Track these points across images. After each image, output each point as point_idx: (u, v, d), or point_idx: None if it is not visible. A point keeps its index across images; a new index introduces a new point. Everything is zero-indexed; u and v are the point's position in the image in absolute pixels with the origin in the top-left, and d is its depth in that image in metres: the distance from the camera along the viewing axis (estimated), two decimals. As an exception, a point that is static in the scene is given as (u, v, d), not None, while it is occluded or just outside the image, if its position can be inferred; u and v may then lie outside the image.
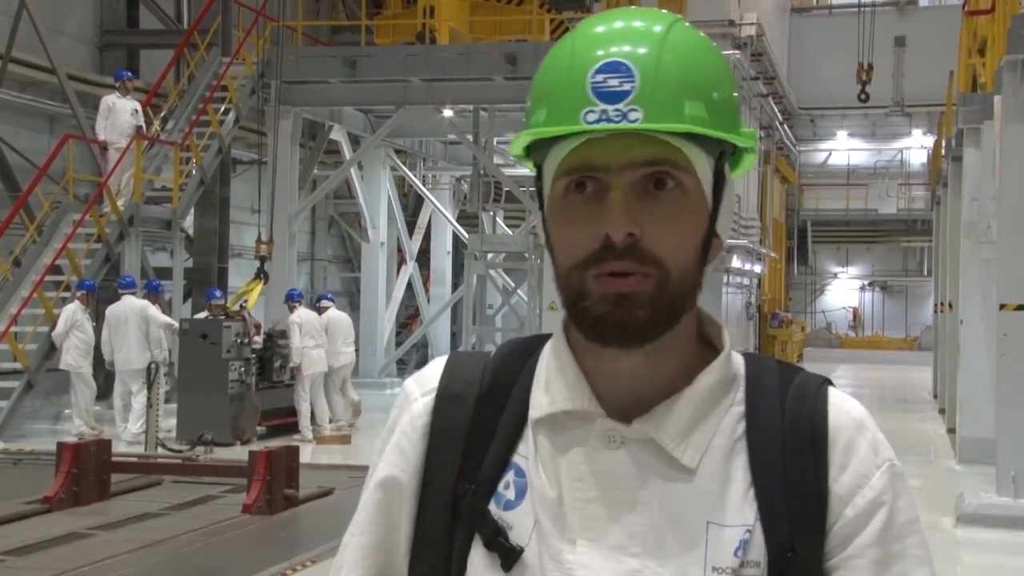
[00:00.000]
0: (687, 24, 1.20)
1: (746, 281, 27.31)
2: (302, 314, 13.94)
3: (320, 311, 14.44)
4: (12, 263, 14.74)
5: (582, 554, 1.16)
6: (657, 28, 1.17)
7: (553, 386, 1.22)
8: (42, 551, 7.54)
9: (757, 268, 28.16)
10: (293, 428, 14.07)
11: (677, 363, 1.20)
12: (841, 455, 1.19)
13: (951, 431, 14.34)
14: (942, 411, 16.98)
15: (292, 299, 14.27)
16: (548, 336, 1.28)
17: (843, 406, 1.22)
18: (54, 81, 15.95)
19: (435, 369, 1.30)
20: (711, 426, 1.19)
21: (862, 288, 40.92)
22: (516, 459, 1.22)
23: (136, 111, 15.61)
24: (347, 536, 1.30)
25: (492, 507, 1.21)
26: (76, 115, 16.00)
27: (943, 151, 18.80)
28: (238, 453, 11.40)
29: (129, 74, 16.15)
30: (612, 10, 1.22)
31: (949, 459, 13.17)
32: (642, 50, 1.14)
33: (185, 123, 16.99)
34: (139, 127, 15.48)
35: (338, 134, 19.61)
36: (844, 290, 40.99)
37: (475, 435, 1.24)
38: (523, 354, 1.28)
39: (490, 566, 1.20)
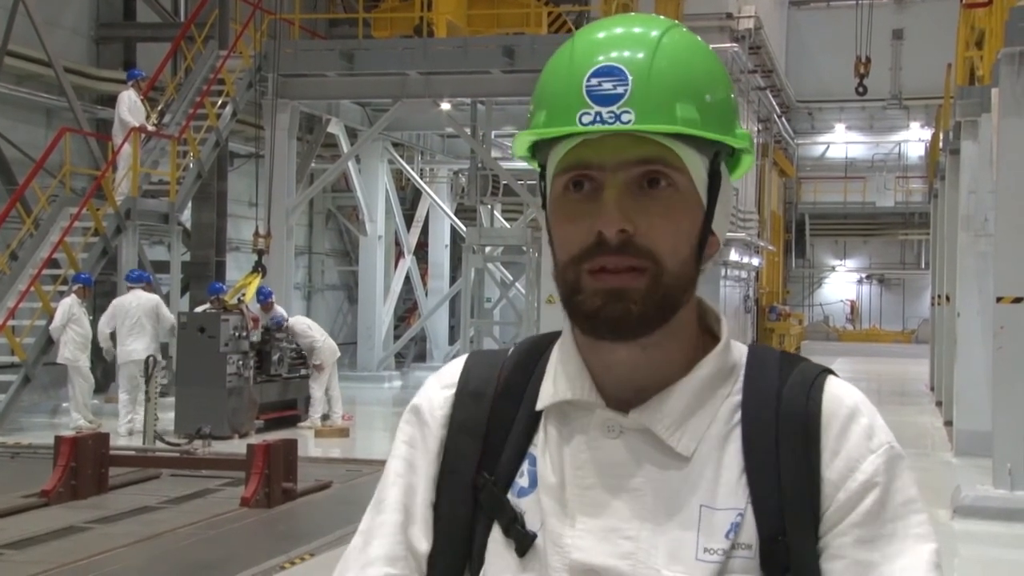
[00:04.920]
0: (683, 29, 1.25)
1: (744, 274, 27.30)
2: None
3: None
4: (9, 257, 14.73)
5: (579, 537, 1.22)
6: (653, 33, 1.22)
7: (558, 378, 1.27)
8: (40, 544, 7.55)
9: (755, 261, 28.17)
10: (290, 421, 14.09)
11: (676, 354, 1.24)
12: (834, 441, 1.21)
13: (948, 424, 14.35)
14: (939, 404, 17.00)
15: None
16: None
17: (837, 393, 1.24)
18: (51, 74, 15.92)
19: (456, 367, 1.36)
20: (707, 415, 1.23)
21: (860, 281, 40.88)
22: (532, 449, 1.29)
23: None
24: (373, 515, 1.32)
25: (509, 495, 1.27)
26: (73, 108, 15.98)
27: (941, 144, 18.79)
28: (236, 447, 11.41)
29: (143, 73, 16.17)
30: (613, 17, 1.27)
31: (946, 452, 13.18)
32: (636, 55, 1.19)
33: (182, 116, 16.97)
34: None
35: (335, 127, 19.59)
36: (842, 283, 40.95)
37: (494, 429, 1.30)
38: (538, 350, 1.34)
39: (506, 552, 1.26)
